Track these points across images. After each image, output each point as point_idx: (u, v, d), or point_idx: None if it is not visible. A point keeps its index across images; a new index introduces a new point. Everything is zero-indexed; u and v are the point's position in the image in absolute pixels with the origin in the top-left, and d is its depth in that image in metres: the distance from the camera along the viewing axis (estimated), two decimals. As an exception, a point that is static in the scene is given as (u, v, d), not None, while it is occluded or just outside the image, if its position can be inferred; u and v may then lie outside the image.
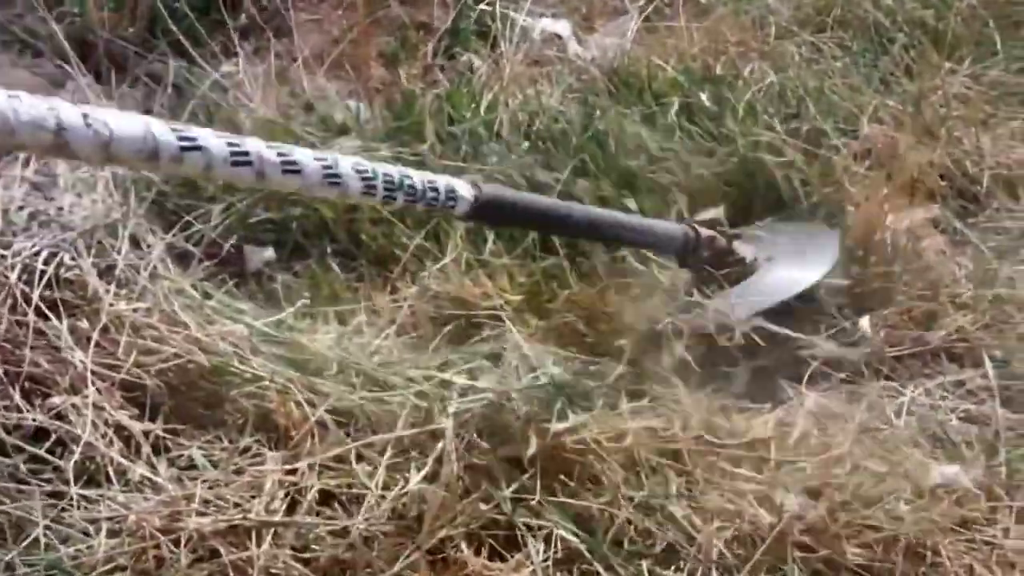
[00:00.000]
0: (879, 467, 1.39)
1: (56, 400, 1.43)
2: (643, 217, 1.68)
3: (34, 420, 1.41)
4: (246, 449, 1.42)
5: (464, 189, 1.41)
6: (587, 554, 1.29)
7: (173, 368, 1.47)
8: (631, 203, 1.73)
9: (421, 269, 1.65)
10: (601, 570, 1.28)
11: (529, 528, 1.31)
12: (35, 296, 1.49)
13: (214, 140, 1.19)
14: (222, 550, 1.28)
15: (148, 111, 1.94)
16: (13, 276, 1.50)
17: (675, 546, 1.30)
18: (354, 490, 1.35)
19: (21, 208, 1.61)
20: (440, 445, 1.35)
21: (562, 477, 1.35)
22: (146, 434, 1.43)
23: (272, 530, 1.32)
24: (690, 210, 1.76)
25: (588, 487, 1.35)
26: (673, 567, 1.29)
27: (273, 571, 1.28)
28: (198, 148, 1.17)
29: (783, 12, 2.31)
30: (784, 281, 1.65)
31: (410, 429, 1.39)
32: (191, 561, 1.27)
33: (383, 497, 1.32)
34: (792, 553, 1.29)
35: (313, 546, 1.31)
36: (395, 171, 1.34)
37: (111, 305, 1.51)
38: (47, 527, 1.31)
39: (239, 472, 1.39)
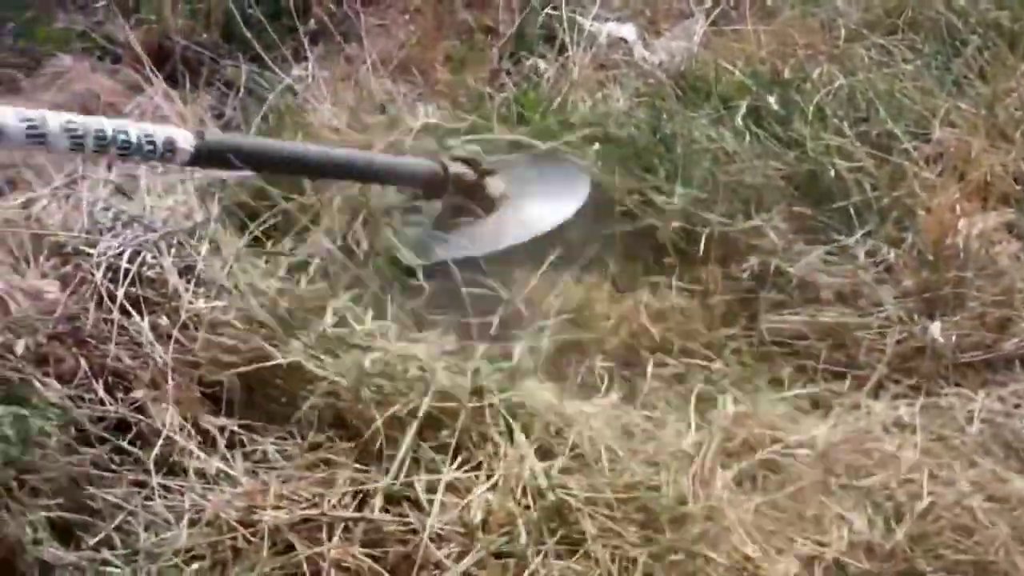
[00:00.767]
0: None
1: (138, 394, 1.48)
2: (389, 156, 1.75)
3: (116, 413, 1.46)
4: (318, 445, 1.45)
5: (184, 140, 1.46)
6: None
7: (248, 365, 1.51)
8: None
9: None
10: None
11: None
12: (119, 294, 1.54)
13: None
14: (296, 543, 1.31)
15: (221, 115, 2.00)
16: (99, 274, 1.56)
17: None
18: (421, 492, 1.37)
19: (106, 209, 1.66)
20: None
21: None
22: (222, 429, 1.47)
23: (343, 525, 1.35)
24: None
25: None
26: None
27: (344, 565, 1.30)
28: None
29: (852, 14, 2.28)
30: (529, 221, 1.70)
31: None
32: (269, 554, 1.30)
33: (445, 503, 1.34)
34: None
35: (383, 543, 1.33)
36: (109, 125, 1.39)
37: (190, 303, 1.55)
38: (131, 513, 1.35)
39: (312, 468, 1.42)
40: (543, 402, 1.45)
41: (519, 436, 1.40)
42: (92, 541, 1.32)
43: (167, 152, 1.45)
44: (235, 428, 1.47)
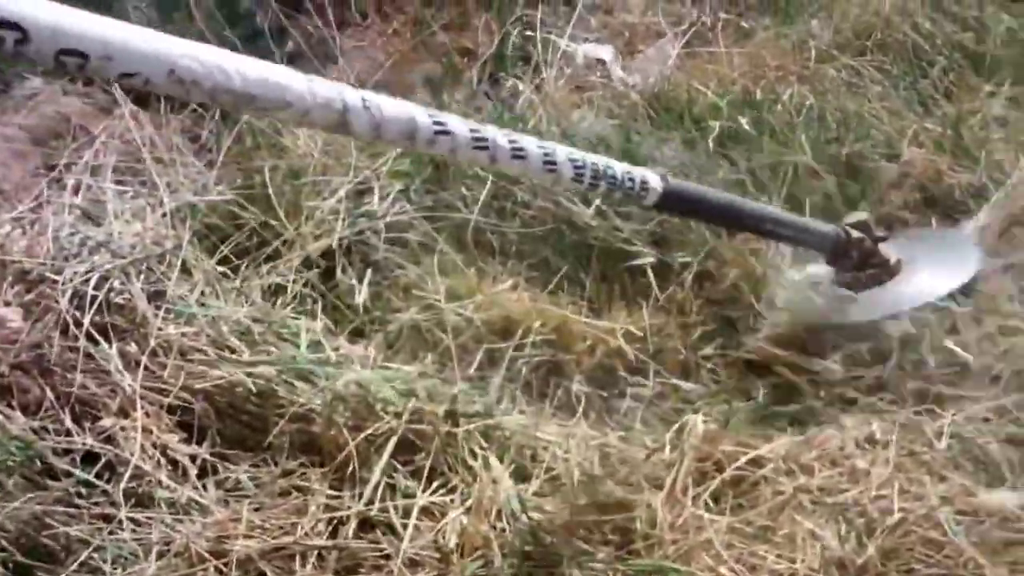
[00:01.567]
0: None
1: (106, 423, 1.45)
2: (799, 216, 1.78)
3: (84, 443, 1.43)
4: (291, 471, 1.43)
5: (655, 181, 1.51)
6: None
7: (220, 392, 1.49)
8: None
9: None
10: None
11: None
12: (86, 321, 1.52)
13: (460, 126, 1.31)
14: (268, 573, 1.29)
15: (196, 137, 1.98)
16: (64, 301, 1.53)
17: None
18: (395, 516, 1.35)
19: (73, 234, 1.64)
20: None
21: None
22: (193, 457, 1.45)
23: (316, 552, 1.33)
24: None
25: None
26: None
27: (318, 594, 1.29)
28: (448, 132, 1.30)
29: (823, 36, 2.30)
30: (923, 286, 1.70)
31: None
32: (239, 584, 1.28)
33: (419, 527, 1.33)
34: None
35: (357, 569, 1.32)
36: (601, 161, 1.45)
37: (160, 329, 1.53)
38: (96, 550, 1.33)
39: (284, 494, 1.40)
40: (518, 425, 1.44)
41: (493, 460, 1.39)
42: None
43: (642, 191, 1.50)
44: (206, 456, 1.45)
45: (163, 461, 1.43)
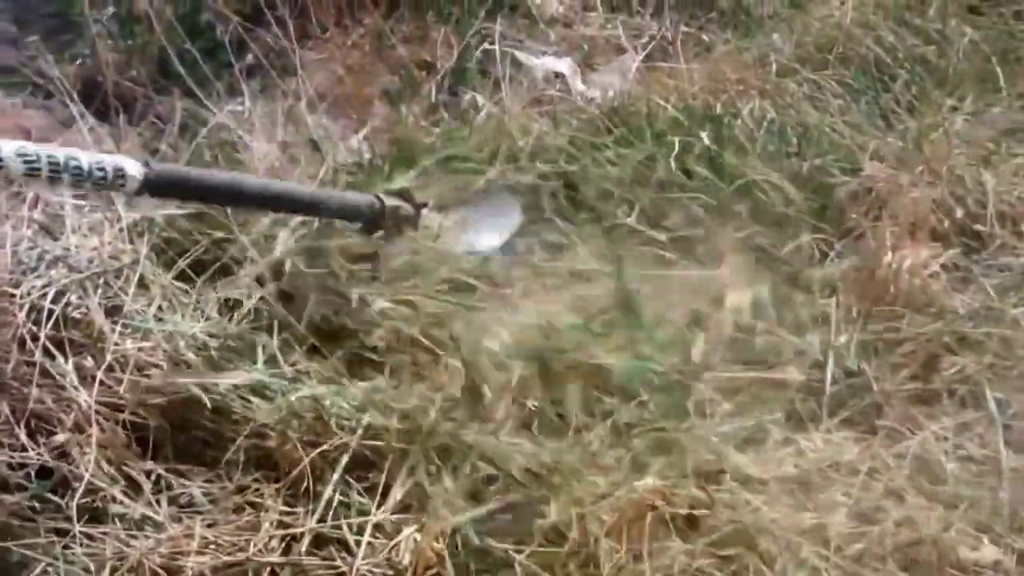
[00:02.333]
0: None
1: (60, 438, 1.45)
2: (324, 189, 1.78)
3: (38, 458, 1.43)
4: (245, 487, 1.43)
5: (133, 168, 1.46)
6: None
7: (176, 407, 1.48)
8: None
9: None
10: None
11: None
12: (42, 335, 1.51)
13: None
14: (221, 589, 1.29)
15: (155, 151, 1.97)
16: (21, 315, 1.53)
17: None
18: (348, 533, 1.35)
19: (31, 248, 1.64)
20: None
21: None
22: (147, 473, 1.45)
23: (269, 568, 1.33)
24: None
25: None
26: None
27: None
28: None
29: (785, 50, 2.31)
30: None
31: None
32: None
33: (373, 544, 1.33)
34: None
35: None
36: (61, 153, 1.40)
37: (116, 344, 1.53)
38: (50, 565, 1.32)
39: (238, 511, 1.40)
40: (473, 442, 1.45)
41: (447, 478, 1.40)
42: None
43: (118, 180, 1.45)
44: (161, 471, 1.45)
45: (117, 476, 1.43)
